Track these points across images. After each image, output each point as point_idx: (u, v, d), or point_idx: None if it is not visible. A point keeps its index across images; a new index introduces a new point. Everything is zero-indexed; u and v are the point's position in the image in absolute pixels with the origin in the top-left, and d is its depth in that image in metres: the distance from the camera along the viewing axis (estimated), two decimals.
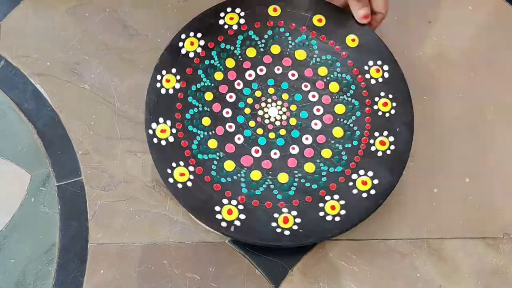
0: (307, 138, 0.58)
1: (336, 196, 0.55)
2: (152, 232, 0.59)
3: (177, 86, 0.58)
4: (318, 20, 0.61)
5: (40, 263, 0.59)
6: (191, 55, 0.59)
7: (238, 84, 0.59)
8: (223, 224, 0.54)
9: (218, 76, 0.60)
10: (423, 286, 0.58)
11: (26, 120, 0.64)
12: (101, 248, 0.59)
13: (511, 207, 0.61)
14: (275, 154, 0.57)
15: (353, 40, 0.61)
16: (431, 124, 0.64)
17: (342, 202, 0.55)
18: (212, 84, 0.59)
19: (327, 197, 0.55)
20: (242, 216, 0.54)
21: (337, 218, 0.54)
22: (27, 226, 0.60)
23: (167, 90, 0.58)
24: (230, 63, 0.60)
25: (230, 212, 0.54)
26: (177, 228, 0.59)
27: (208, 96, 0.59)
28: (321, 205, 0.55)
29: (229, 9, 0.61)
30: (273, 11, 0.61)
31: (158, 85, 0.58)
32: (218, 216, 0.54)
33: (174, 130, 0.57)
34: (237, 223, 0.54)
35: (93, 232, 0.59)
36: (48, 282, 0.58)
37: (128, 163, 0.62)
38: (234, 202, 0.55)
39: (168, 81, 0.58)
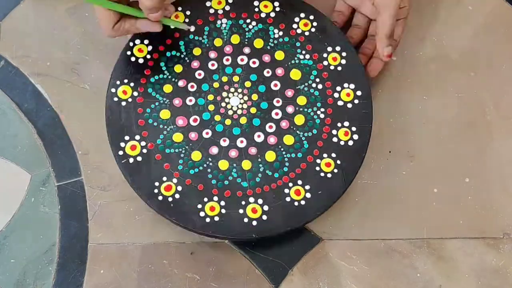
0: (270, 127, 0.57)
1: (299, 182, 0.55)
2: (152, 232, 0.59)
3: (136, 94, 0.58)
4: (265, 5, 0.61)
5: (40, 263, 0.59)
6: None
7: (199, 74, 0.59)
8: (207, 220, 0.54)
9: (178, 68, 0.59)
10: (423, 286, 0.58)
11: (26, 120, 0.64)
12: (101, 248, 0.59)
13: (511, 207, 0.61)
14: (241, 142, 0.57)
15: (306, 24, 0.61)
16: (431, 124, 0.64)
17: (307, 187, 0.55)
18: (172, 77, 0.59)
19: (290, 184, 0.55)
20: (223, 211, 0.54)
21: (303, 202, 0.54)
22: (27, 226, 0.60)
23: (126, 100, 0.58)
24: (197, 51, 0.60)
25: (212, 209, 0.54)
26: (177, 228, 0.59)
27: (168, 88, 0.58)
28: (286, 191, 0.55)
29: None
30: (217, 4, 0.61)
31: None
32: (201, 214, 0.54)
33: (144, 145, 0.56)
34: (216, 218, 0.54)
35: (93, 232, 0.59)
36: (48, 282, 0.58)
37: None
38: (216, 198, 0.55)
39: (124, 93, 0.58)
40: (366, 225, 0.60)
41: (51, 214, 0.60)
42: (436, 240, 0.60)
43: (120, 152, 0.56)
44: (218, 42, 0.60)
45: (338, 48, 0.60)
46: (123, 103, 0.57)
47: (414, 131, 0.64)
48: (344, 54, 0.60)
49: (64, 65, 0.66)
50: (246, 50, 0.60)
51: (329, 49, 0.60)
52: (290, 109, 0.58)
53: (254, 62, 0.59)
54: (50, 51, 0.66)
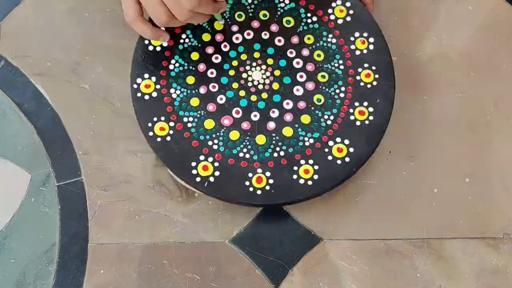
0: (288, 103, 0.58)
1: (310, 161, 0.56)
2: (152, 232, 0.59)
3: (165, 44, 0.59)
4: None
5: (40, 263, 0.59)
6: None
7: (225, 46, 0.60)
8: (198, 179, 0.55)
9: (206, 37, 0.60)
10: (423, 286, 0.58)
11: (26, 120, 0.64)
12: (101, 248, 0.59)
13: (511, 207, 0.61)
14: (255, 116, 0.58)
15: (341, 11, 0.61)
16: (431, 124, 0.64)
17: (316, 167, 0.56)
18: (199, 45, 0.60)
19: (302, 161, 0.56)
20: (217, 173, 0.55)
21: (310, 182, 0.55)
22: (27, 226, 0.60)
23: (154, 47, 0.59)
24: (218, 25, 0.61)
25: (205, 168, 0.55)
26: (177, 228, 0.59)
27: (194, 56, 0.59)
28: (295, 168, 0.56)
29: None
30: None
31: (146, 42, 0.59)
32: (194, 171, 0.55)
33: (158, 86, 0.58)
34: (211, 179, 0.55)
35: (93, 232, 0.59)
36: (48, 282, 0.58)
37: (128, 163, 0.62)
38: (210, 159, 0.56)
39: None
40: (366, 225, 0.60)
41: (51, 214, 0.60)
42: (436, 240, 0.60)
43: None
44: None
45: (365, 34, 0.60)
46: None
47: (414, 131, 0.64)
48: (371, 40, 0.60)
49: (64, 65, 0.66)
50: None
51: (357, 34, 0.60)
52: (310, 85, 0.59)
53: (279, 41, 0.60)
54: (50, 51, 0.66)
